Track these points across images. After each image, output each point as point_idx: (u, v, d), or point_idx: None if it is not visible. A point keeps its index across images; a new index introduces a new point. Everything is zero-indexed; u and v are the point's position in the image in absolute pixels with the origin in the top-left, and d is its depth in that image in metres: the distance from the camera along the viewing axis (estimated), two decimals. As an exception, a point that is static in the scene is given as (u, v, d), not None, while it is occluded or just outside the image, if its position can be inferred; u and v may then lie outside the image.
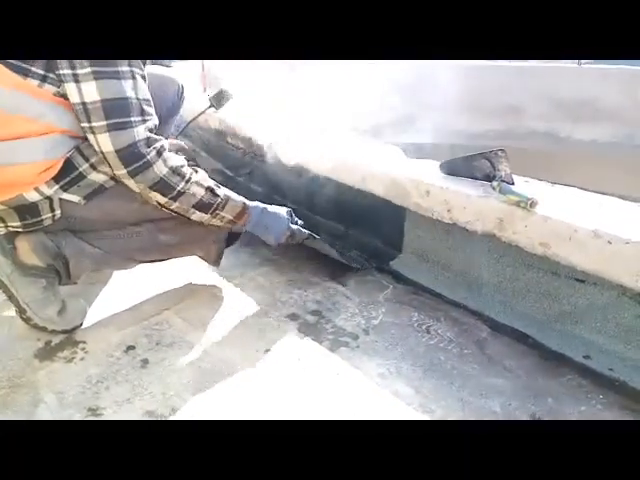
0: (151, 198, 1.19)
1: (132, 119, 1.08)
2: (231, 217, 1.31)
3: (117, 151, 1.09)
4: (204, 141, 2.36)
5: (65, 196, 1.16)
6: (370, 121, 3.39)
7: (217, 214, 1.28)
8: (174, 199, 1.19)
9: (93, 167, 1.16)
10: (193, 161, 1.91)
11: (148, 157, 1.11)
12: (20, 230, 1.19)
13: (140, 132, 1.10)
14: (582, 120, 3.84)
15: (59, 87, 1.06)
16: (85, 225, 1.24)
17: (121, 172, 1.12)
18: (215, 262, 1.46)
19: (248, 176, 2.08)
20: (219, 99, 1.82)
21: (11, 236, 1.20)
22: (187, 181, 1.18)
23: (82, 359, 1.20)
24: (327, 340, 1.27)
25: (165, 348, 1.24)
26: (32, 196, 1.12)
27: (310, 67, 3.07)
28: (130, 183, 1.15)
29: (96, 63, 1.03)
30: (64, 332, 1.27)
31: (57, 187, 1.14)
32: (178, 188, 1.18)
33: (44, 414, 1.04)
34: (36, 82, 1.05)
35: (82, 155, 1.14)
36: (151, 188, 1.16)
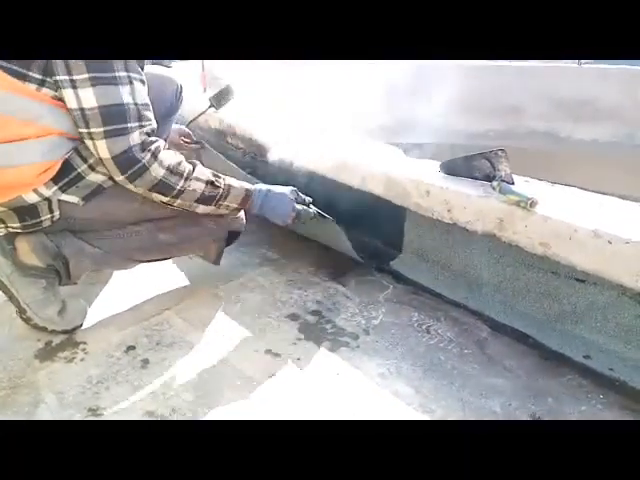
0: (154, 198, 1.20)
1: (129, 125, 1.09)
2: (236, 205, 1.31)
3: (113, 157, 1.09)
4: (204, 141, 2.35)
5: (64, 197, 1.16)
6: (370, 121, 3.39)
7: (221, 204, 1.28)
8: (176, 197, 1.20)
9: (91, 168, 1.16)
10: (199, 144, 1.91)
11: (144, 161, 1.11)
12: (20, 231, 1.19)
13: (135, 137, 1.10)
14: (582, 120, 3.84)
15: (57, 91, 1.07)
16: (84, 225, 1.24)
17: (119, 178, 1.13)
18: (215, 261, 1.46)
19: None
20: (219, 99, 1.82)
21: (11, 237, 1.21)
22: (186, 179, 1.18)
23: (82, 359, 1.20)
24: (327, 340, 1.27)
25: (165, 348, 1.24)
26: (31, 197, 1.13)
27: (310, 67, 3.07)
28: (130, 187, 1.15)
29: (93, 69, 1.03)
30: (64, 332, 1.27)
31: (56, 188, 1.14)
32: (178, 187, 1.18)
33: (44, 414, 1.04)
34: (34, 86, 1.05)
35: (80, 156, 1.14)
36: (151, 190, 1.16)
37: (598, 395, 1.10)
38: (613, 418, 1.04)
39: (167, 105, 1.53)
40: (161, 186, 1.16)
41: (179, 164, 1.18)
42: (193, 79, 2.59)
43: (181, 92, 1.61)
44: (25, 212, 1.16)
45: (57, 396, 1.08)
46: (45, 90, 1.06)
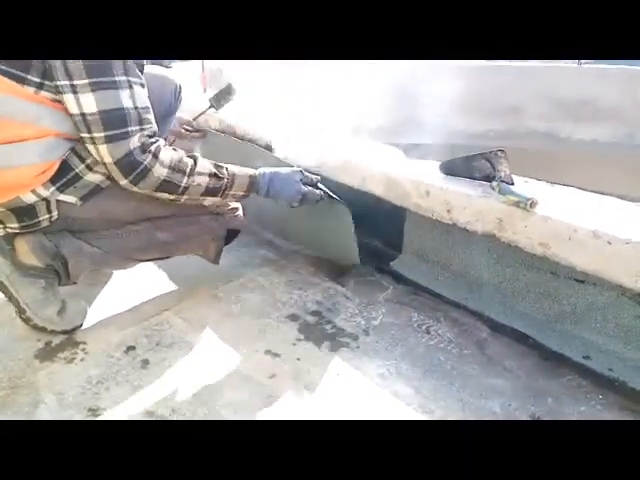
0: (160, 198, 1.20)
1: (130, 129, 1.09)
2: (242, 192, 1.31)
3: (116, 162, 1.09)
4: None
5: (62, 197, 1.16)
6: (370, 121, 3.40)
7: (227, 194, 1.28)
8: (182, 194, 1.20)
9: (89, 168, 1.16)
10: (201, 132, 1.91)
11: (145, 163, 1.11)
12: (18, 231, 1.19)
13: (135, 140, 1.10)
14: (582, 120, 3.84)
15: (56, 94, 1.07)
16: (83, 225, 1.24)
17: (123, 182, 1.13)
18: (214, 260, 1.45)
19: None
20: (219, 99, 1.82)
21: (10, 237, 1.21)
22: (189, 174, 1.18)
23: (82, 360, 1.20)
24: (327, 341, 1.27)
25: (165, 349, 1.24)
26: (29, 198, 1.13)
27: (310, 67, 3.07)
28: (135, 190, 1.15)
29: (93, 74, 1.03)
30: (64, 332, 1.27)
31: (54, 188, 1.14)
32: (182, 184, 1.18)
33: (44, 415, 1.04)
34: (32, 89, 1.06)
35: (78, 156, 1.14)
36: (156, 191, 1.16)
37: (597, 395, 1.10)
38: (613, 418, 1.04)
39: (166, 105, 1.54)
40: (166, 185, 1.16)
41: (180, 161, 1.18)
42: (193, 79, 2.60)
43: (180, 92, 1.61)
44: (23, 212, 1.16)
45: (57, 396, 1.08)
46: (44, 93, 1.06)
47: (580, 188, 1.34)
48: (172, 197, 1.20)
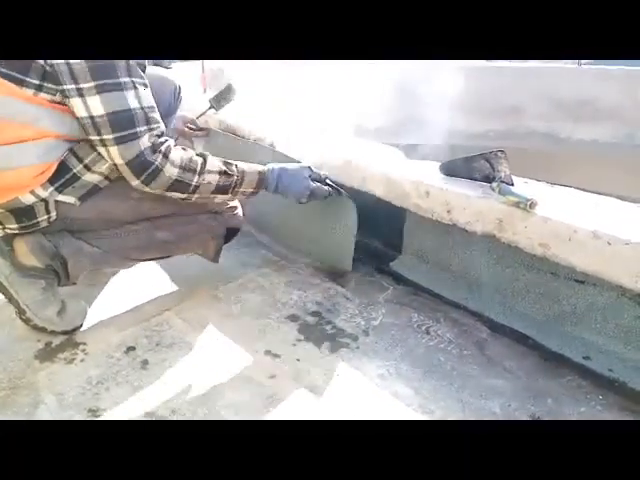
0: (171, 198, 1.21)
1: (138, 130, 1.09)
2: (251, 189, 1.31)
3: (127, 163, 1.10)
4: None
5: (60, 198, 1.16)
6: (370, 121, 3.40)
7: (237, 191, 1.28)
8: (192, 193, 1.20)
9: (87, 168, 1.16)
10: (204, 130, 1.91)
11: (156, 163, 1.12)
12: (18, 232, 1.19)
13: (145, 141, 1.10)
14: (582, 120, 3.84)
15: (55, 95, 1.07)
16: (82, 226, 1.24)
17: (135, 183, 1.13)
18: (214, 258, 1.45)
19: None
20: (219, 100, 1.82)
21: (9, 238, 1.21)
22: (200, 173, 1.19)
23: (82, 360, 1.20)
24: (327, 341, 1.27)
25: (165, 349, 1.24)
26: (27, 199, 1.13)
27: (310, 67, 3.07)
28: (147, 190, 1.15)
29: (98, 75, 1.04)
30: (64, 333, 1.27)
31: (52, 189, 1.14)
32: (193, 183, 1.18)
33: (44, 415, 1.04)
34: (31, 91, 1.06)
35: (76, 156, 1.15)
36: (168, 190, 1.17)
37: (597, 396, 1.10)
38: (613, 419, 1.04)
39: (166, 106, 1.54)
40: (177, 185, 1.16)
41: (190, 160, 1.18)
42: (193, 80, 2.60)
43: (180, 92, 1.61)
44: (22, 213, 1.16)
45: (57, 397, 1.08)
46: (42, 94, 1.06)
47: (580, 188, 1.34)
48: (183, 196, 1.20)
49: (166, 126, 1.59)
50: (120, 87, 1.06)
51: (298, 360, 1.20)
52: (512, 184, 1.30)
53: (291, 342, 1.27)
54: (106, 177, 1.20)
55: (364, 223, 1.57)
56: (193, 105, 1.97)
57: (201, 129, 1.91)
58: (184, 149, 1.19)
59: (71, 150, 1.14)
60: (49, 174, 1.12)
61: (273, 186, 1.34)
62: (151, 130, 1.11)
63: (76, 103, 1.06)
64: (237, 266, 1.62)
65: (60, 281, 1.26)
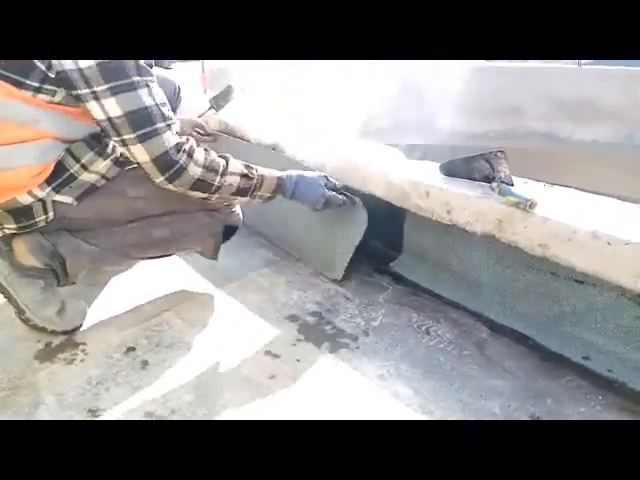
0: (193, 197, 1.22)
1: (157, 126, 1.10)
2: (269, 193, 1.33)
3: (153, 160, 1.11)
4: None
5: (57, 198, 1.17)
6: (370, 122, 3.40)
7: (255, 194, 1.30)
8: (214, 193, 1.22)
9: (84, 167, 1.17)
10: (212, 136, 1.91)
11: (181, 162, 1.13)
12: (16, 232, 1.20)
13: (169, 139, 1.12)
14: (582, 120, 3.84)
15: (53, 96, 1.07)
16: (79, 225, 1.25)
17: (159, 179, 1.14)
18: (213, 256, 1.45)
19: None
20: (219, 100, 1.82)
21: (7, 238, 1.21)
22: (222, 174, 1.20)
23: (82, 360, 1.20)
24: (327, 341, 1.27)
25: (165, 349, 1.24)
26: (25, 199, 1.14)
27: (310, 67, 3.07)
28: (170, 188, 1.16)
29: (110, 78, 1.04)
30: (64, 333, 1.27)
31: (49, 189, 1.15)
32: (215, 183, 1.20)
33: (44, 415, 1.04)
34: (30, 93, 1.06)
35: (73, 156, 1.15)
36: (191, 189, 1.18)
37: (597, 396, 1.10)
38: (612, 419, 1.04)
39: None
40: (199, 184, 1.18)
41: (213, 161, 1.20)
42: (193, 80, 2.60)
43: (179, 92, 1.61)
44: (20, 213, 1.16)
45: (57, 397, 1.08)
46: (41, 96, 1.07)
47: (580, 188, 1.34)
48: (204, 196, 1.22)
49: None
50: (133, 86, 1.07)
51: (298, 360, 1.20)
52: (512, 184, 1.30)
53: (291, 342, 1.27)
54: (103, 176, 1.20)
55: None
56: (193, 105, 1.97)
57: (209, 134, 1.91)
58: (206, 150, 1.21)
59: (68, 150, 1.14)
60: (46, 174, 1.12)
61: (290, 192, 1.36)
62: (169, 126, 1.13)
63: (92, 107, 1.07)
64: (237, 266, 1.62)
65: (59, 281, 1.27)
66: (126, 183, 1.24)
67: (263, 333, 1.30)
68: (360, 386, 1.13)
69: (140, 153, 1.10)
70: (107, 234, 1.27)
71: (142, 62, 1.09)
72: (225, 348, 1.25)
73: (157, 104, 1.11)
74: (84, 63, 1.02)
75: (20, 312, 1.23)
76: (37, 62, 1.05)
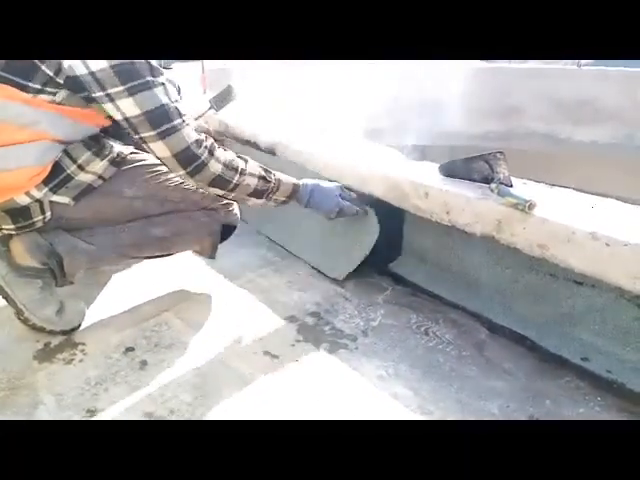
0: (211, 192, 1.24)
1: (175, 122, 1.11)
2: (284, 198, 1.36)
3: (174, 155, 1.12)
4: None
5: (55, 198, 1.17)
6: (370, 122, 3.40)
7: (270, 198, 1.32)
8: (231, 191, 1.24)
9: (81, 168, 1.17)
10: (218, 141, 1.91)
11: (202, 157, 1.15)
12: (14, 232, 1.20)
13: (190, 134, 1.13)
14: (582, 121, 3.84)
15: (54, 96, 1.08)
16: (77, 225, 1.25)
17: (181, 172, 1.16)
18: (211, 255, 1.46)
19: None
20: (219, 101, 1.82)
21: (5, 238, 1.22)
22: (241, 173, 1.23)
23: (81, 361, 1.20)
24: (326, 342, 1.27)
25: (164, 350, 1.24)
26: (23, 200, 1.14)
27: (310, 67, 3.07)
28: (191, 182, 1.19)
29: (124, 79, 1.05)
30: (63, 333, 1.27)
31: (46, 190, 1.15)
32: (234, 181, 1.22)
33: (43, 415, 1.04)
34: (30, 95, 1.07)
35: (69, 157, 1.16)
36: (210, 185, 1.20)
37: (596, 397, 1.10)
38: (611, 420, 1.04)
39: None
40: (219, 181, 1.20)
41: (233, 160, 1.22)
42: (193, 80, 2.60)
43: (179, 92, 1.61)
44: (18, 214, 1.17)
45: (56, 397, 1.08)
46: (42, 96, 1.07)
47: (579, 189, 1.34)
48: (222, 193, 1.24)
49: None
50: (149, 86, 1.08)
51: (297, 361, 1.20)
52: (511, 185, 1.30)
53: (290, 343, 1.27)
54: (100, 177, 1.21)
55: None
56: (193, 105, 1.97)
57: (216, 140, 1.92)
58: (225, 149, 1.23)
59: (65, 151, 1.15)
60: (44, 175, 1.13)
61: (305, 200, 1.39)
62: (184, 122, 1.14)
63: (109, 108, 1.08)
64: (237, 266, 1.62)
65: (57, 281, 1.26)
66: (123, 183, 1.25)
67: (262, 333, 1.30)
68: (359, 386, 1.13)
69: (161, 149, 1.12)
70: (105, 233, 1.27)
71: (154, 62, 1.11)
72: (224, 348, 1.24)
73: (172, 101, 1.13)
74: (96, 66, 1.04)
75: (19, 312, 1.22)
76: (43, 67, 1.06)
